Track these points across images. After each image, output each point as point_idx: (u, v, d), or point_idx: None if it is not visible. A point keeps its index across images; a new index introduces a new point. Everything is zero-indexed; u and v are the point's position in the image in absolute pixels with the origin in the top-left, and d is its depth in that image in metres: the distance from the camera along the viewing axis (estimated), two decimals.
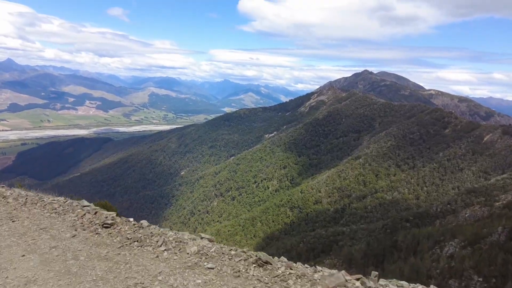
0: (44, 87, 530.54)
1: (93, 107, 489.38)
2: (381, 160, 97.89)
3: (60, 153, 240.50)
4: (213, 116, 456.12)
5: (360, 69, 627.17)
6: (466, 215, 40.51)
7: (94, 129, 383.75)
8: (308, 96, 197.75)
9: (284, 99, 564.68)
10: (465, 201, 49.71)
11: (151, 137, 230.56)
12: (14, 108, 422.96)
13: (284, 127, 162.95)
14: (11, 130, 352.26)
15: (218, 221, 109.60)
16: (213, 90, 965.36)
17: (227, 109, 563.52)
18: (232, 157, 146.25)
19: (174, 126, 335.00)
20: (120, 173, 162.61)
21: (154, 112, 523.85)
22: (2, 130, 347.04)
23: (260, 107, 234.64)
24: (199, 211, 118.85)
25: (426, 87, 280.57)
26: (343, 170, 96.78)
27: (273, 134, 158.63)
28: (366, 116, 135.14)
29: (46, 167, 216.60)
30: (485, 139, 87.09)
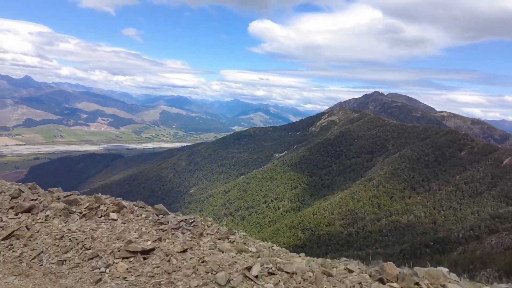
0: (58, 103, 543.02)
1: (105, 124, 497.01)
2: (395, 182, 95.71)
3: (71, 168, 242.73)
4: (222, 134, 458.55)
5: (369, 91, 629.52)
6: (493, 242, 38.45)
7: (105, 145, 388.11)
8: (319, 116, 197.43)
9: (293, 119, 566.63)
10: (489, 227, 47.46)
11: (161, 155, 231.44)
12: (29, 123, 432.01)
13: (295, 146, 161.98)
14: (25, 144, 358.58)
15: None
16: (223, 109, 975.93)
17: (237, 128, 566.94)
18: (242, 176, 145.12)
19: (184, 144, 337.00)
20: (129, 190, 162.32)
21: (164, 129, 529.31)
22: (17, 145, 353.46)
23: (270, 126, 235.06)
24: None
25: (437, 109, 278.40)
26: (356, 191, 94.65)
27: (283, 154, 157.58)
28: (378, 137, 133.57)
29: (57, 182, 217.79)
30: (504, 162, 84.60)
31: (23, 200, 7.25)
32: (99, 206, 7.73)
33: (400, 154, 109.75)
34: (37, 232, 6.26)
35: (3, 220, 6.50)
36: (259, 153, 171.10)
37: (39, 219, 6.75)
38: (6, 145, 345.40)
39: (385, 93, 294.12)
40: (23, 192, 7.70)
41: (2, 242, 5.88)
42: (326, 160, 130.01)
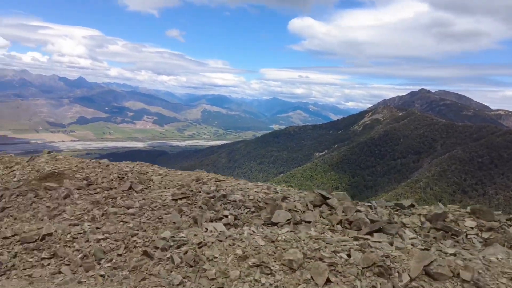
0: (108, 102, 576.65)
1: (150, 122, 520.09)
2: (444, 184, 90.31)
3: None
4: (261, 133, 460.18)
5: (415, 88, 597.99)
6: None
7: (150, 142, 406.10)
8: (362, 114, 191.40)
9: (334, 117, 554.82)
10: None
11: (202, 152, 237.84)
12: (82, 121, 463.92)
13: (336, 145, 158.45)
14: (78, 140, 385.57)
15: None
16: (261, 108, 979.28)
17: (275, 126, 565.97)
18: (281, 175, 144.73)
19: (224, 142, 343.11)
20: None
21: (205, 127, 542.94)
22: (71, 141, 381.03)
23: (309, 125, 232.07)
24: None
25: (492, 107, 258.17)
26: (401, 194, 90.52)
27: (323, 153, 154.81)
28: (426, 137, 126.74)
29: None
30: None
31: None
32: None
33: (450, 155, 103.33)
34: None
35: None
36: (298, 152, 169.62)
37: None
38: (63, 141, 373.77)
39: (433, 91, 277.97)
40: None
41: None
42: (370, 160, 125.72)
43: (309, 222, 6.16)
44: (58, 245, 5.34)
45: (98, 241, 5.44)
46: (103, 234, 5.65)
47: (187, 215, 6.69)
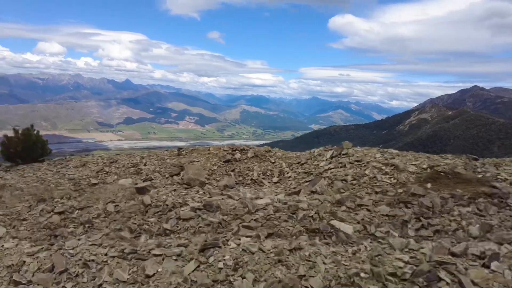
0: (152, 103, 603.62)
1: (192, 122, 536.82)
2: None
3: None
4: (300, 133, 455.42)
5: (466, 85, 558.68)
6: None
7: (192, 142, 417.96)
8: (408, 113, 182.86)
9: (377, 116, 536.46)
10: None
11: None
12: (128, 121, 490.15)
13: (380, 146, 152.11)
14: (125, 140, 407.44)
15: None
16: (300, 107, 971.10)
17: (315, 126, 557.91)
18: None
19: (263, 142, 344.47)
20: None
21: (244, 128, 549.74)
22: (118, 140, 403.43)
23: (352, 124, 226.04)
24: None
25: None
26: None
27: None
28: (480, 138, 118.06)
29: None
30: None
31: None
32: None
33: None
34: None
35: None
36: None
37: None
38: (111, 140, 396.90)
39: (487, 88, 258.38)
40: None
41: None
42: None
43: None
44: None
45: None
46: None
47: None
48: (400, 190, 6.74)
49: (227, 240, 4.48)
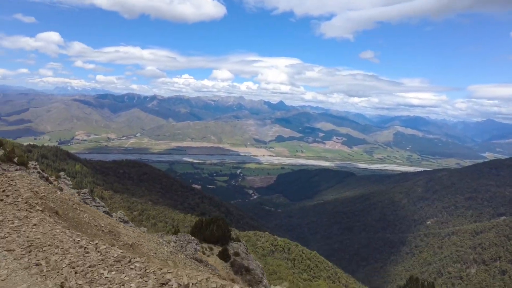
0: (301, 123, 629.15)
1: (339, 142, 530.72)
2: None
3: (308, 179, 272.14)
4: (467, 161, 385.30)
5: None
6: None
7: (338, 163, 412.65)
8: None
9: None
10: None
11: (394, 177, 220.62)
12: (279, 139, 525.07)
13: None
14: (275, 156, 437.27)
15: None
16: (469, 131, 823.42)
17: (489, 155, 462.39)
18: (503, 217, 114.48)
19: (419, 168, 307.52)
20: (360, 209, 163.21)
21: (397, 151, 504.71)
22: (270, 155, 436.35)
23: None
24: (449, 273, 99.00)
25: None
26: None
27: None
28: None
29: (297, 190, 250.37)
30: None
31: None
32: None
33: None
34: None
35: None
36: None
37: None
38: (263, 155, 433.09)
39: None
40: None
41: None
42: None
43: None
44: None
45: None
46: None
47: None
48: None
49: None
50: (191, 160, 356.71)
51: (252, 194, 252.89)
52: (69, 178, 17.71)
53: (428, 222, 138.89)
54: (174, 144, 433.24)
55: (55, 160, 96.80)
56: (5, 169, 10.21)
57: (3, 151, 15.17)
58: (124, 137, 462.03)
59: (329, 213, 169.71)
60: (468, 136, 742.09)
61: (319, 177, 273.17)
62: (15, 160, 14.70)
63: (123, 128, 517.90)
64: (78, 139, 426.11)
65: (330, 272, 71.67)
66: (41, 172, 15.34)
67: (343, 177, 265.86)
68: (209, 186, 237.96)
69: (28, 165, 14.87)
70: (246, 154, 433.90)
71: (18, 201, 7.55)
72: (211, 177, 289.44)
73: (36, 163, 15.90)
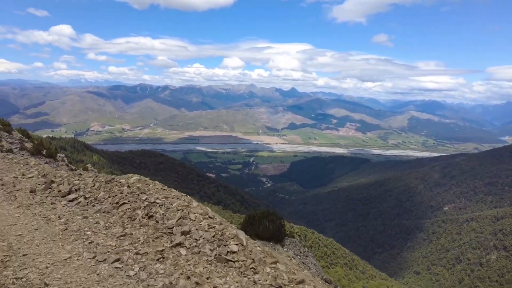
0: (314, 110, 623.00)
1: (352, 129, 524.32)
2: None
3: (322, 167, 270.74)
4: (485, 145, 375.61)
5: None
6: None
7: (352, 149, 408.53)
8: None
9: None
10: None
11: (409, 163, 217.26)
12: (292, 126, 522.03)
13: None
14: (288, 143, 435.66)
15: (496, 280, 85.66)
16: (487, 115, 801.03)
17: (508, 138, 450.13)
18: None
19: (435, 154, 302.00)
20: (375, 195, 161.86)
21: (412, 137, 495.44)
22: (282, 143, 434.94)
23: None
24: (468, 260, 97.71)
25: None
26: None
27: None
28: None
29: (310, 178, 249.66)
30: None
31: None
32: None
33: None
34: None
35: None
36: None
37: None
38: (276, 143, 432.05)
39: None
40: None
41: None
42: None
43: None
44: None
45: None
46: None
47: None
48: None
49: None
50: (204, 149, 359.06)
51: (266, 182, 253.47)
52: (96, 170, 17.83)
53: (445, 208, 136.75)
54: (187, 134, 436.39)
55: (73, 152, 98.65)
56: (37, 163, 10.19)
57: (31, 143, 15.33)
58: (138, 128, 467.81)
59: (344, 200, 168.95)
60: (487, 119, 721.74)
61: (333, 164, 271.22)
62: (44, 152, 14.80)
63: (136, 118, 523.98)
64: (93, 130, 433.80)
65: (347, 259, 71.58)
66: (69, 164, 15.43)
67: (358, 163, 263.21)
68: (223, 175, 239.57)
69: (57, 157, 14.97)
70: (259, 142, 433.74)
71: None
72: (224, 165, 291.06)
73: (64, 156, 16.01)
